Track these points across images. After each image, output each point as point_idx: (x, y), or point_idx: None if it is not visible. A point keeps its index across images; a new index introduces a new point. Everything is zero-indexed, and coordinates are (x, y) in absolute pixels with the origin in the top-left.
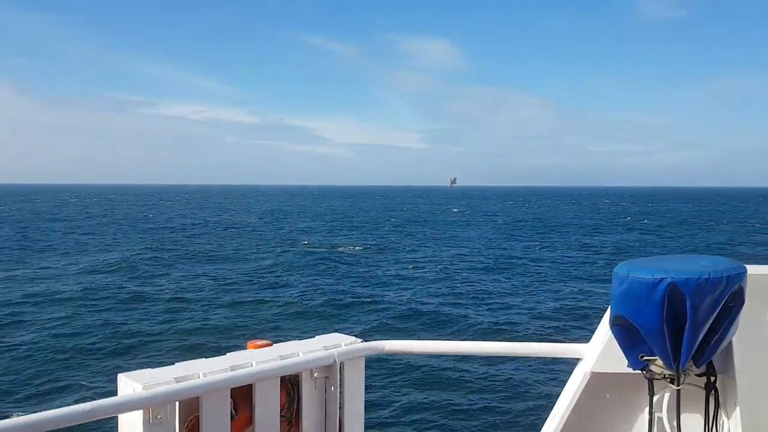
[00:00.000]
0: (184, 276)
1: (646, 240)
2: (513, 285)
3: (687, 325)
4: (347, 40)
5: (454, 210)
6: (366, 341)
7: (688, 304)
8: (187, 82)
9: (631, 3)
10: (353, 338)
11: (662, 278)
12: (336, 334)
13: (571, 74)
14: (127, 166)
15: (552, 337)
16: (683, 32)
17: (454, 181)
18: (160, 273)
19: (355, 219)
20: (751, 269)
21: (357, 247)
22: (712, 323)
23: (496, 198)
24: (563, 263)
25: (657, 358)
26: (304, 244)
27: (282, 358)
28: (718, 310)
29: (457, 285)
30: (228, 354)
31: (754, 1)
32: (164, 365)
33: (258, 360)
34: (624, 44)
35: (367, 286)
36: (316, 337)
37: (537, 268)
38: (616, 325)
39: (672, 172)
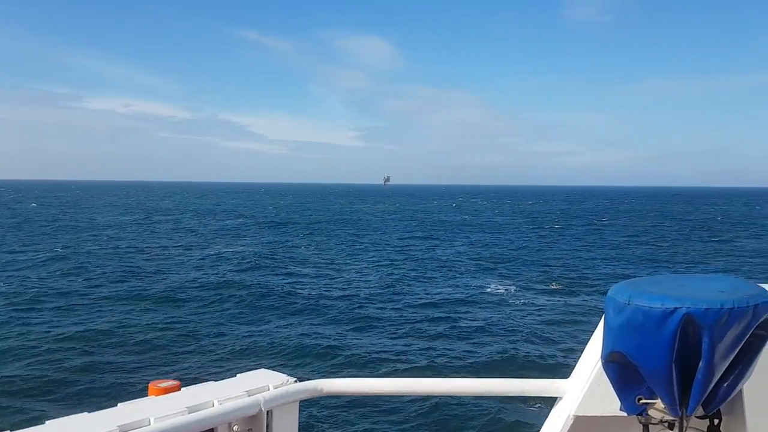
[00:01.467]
0: (76, 288)
1: (545, 236)
2: (419, 291)
3: (701, 364)
4: (283, 35)
5: (378, 210)
6: (299, 379)
7: (705, 340)
8: (116, 75)
9: (562, 7)
10: (284, 377)
11: (675, 308)
12: (262, 371)
13: (506, 75)
14: (54, 161)
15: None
16: (611, 36)
17: (387, 179)
18: (50, 284)
19: (279, 217)
20: None
21: (280, 250)
22: (730, 362)
23: (428, 197)
24: (451, 263)
25: (657, 401)
26: (223, 247)
27: (191, 410)
28: (739, 347)
29: (383, 293)
30: (120, 405)
31: (675, 6)
32: (31, 424)
33: (159, 414)
34: (556, 47)
35: (290, 303)
36: (238, 375)
37: (423, 267)
38: (611, 362)
39: (599, 172)
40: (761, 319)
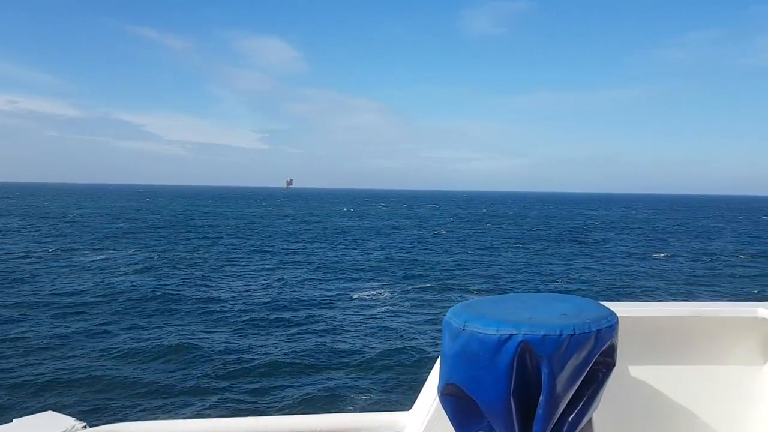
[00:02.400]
0: None
1: (430, 240)
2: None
3: (542, 397)
4: (181, 34)
5: (273, 213)
6: (90, 424)
7: (544, 370)
8: None
9: (458, 18)
10: (71, 421)
11: (511, 334)
12: (48, 413)
13: (407, 82)
14: None
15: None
16: (504, 48)
17: (290, 182)
18: None
19: (163, 221)
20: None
21: (153, 256)
22: (575, 392)
23: (328, 200)
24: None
25: None
26: (92, 253)
27: None
28: (583, 377)
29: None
30: None
31: (562, 24)
32: None
33: None
34: (453, 57)
35: (121, 316)
36: (15, 421)
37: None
38: (447, 395)
39: (495, 178)
40: (605, 346)
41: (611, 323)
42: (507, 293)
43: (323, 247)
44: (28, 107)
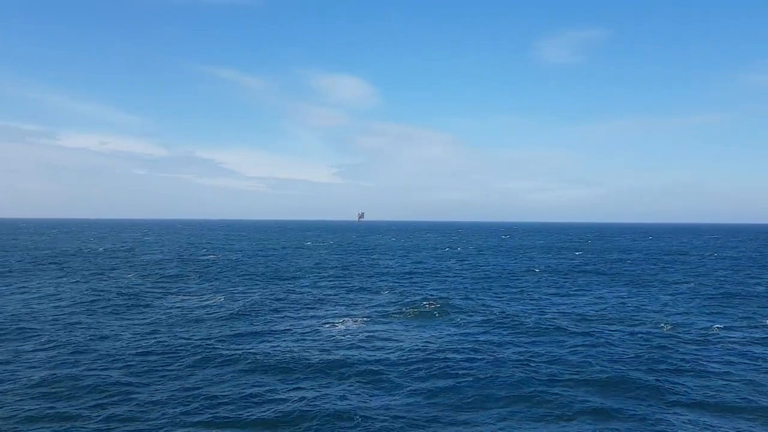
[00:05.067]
0: None
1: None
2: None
3: None
4: (259, 74)
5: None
6: None
7: None
8: (90, 112)
9: (533, 48)
10: None
11: None
12: None
13: (477, 114)
14: (27, 199)
15: None
16: (580, 77)
17: (361, 215)
18: None
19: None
20: None
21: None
22: None
23: (400, 232)
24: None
25: None
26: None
27: None
28: None
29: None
30: None
31: (640, 50)
32: None
33: None
34: (526, 86)
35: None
36: None
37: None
38: None
39: (570, 208)
40: None
41: None
42: None
43: (356, 277)
44: (117, 147)
